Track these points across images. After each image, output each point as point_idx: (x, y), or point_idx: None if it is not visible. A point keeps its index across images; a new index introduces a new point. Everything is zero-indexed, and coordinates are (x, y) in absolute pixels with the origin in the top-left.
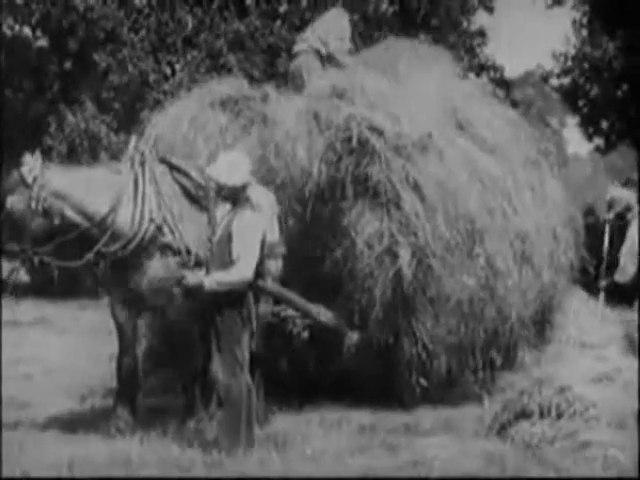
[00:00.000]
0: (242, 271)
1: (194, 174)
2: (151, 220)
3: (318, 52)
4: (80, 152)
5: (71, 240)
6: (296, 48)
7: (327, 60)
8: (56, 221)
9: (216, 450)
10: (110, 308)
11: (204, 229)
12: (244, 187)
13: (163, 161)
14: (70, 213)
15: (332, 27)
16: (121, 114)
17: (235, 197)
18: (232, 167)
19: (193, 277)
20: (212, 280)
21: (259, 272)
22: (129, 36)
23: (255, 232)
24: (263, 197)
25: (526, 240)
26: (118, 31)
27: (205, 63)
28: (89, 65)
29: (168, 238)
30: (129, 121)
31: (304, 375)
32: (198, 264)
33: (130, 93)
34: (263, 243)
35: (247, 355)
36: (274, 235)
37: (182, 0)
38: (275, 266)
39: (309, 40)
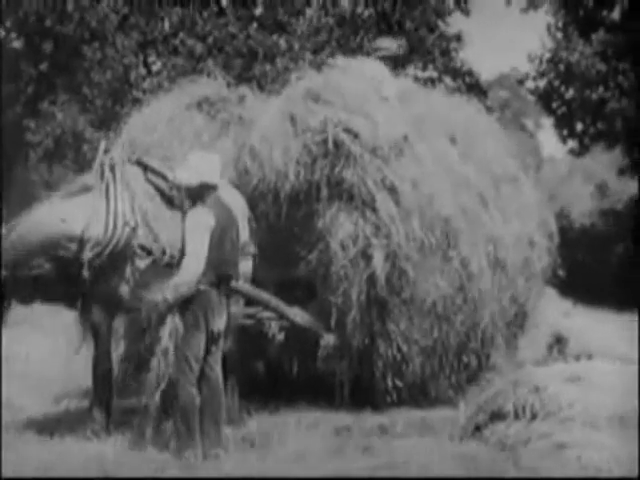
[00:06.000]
0: (187, 269)
1: (169, 175)
2: (125, 224)
3: None
4: (65, 147)
5: None
6: None
7: None
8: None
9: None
10: (81, 311)
11: (180, 229)
12: (211, 188)
13: (139, 163)
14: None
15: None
16: (102, 110)
17: (202, 198)
18: (198, 167)
19: (153, 310)
20: (170, 291)
21: (230, 271)
22: (115, 35)
23: (196, 228)
24: (233, 199)
25: (500, 245)
26: (107, 29)
27: (184, 67)
28: (71, 63)
29: (143, 239)
30: (110, 117)
31: (280, 377)
32: (170, 265)
33: (112, 90)
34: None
35: (200, 356)
36: (244, 235)
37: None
38: (246, 266)
39: None
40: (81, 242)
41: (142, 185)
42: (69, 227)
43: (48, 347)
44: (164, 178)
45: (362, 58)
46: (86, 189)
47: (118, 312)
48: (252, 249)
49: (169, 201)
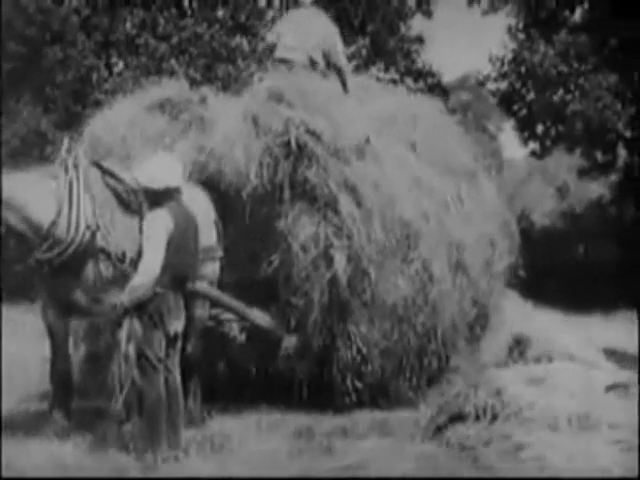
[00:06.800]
0: (144, 271)
1: (127, 178)
2: (87, 227)
3: (313, 62)
4: (31, 147)
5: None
6: (282, 54)
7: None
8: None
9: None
10: (41, 311)
11: (137, 234)
12: (173, 191)
13: (96, 165)
14: (14, 221)
15: (326, 37)
16: (65, 111)
17: (163, 202)
18: (160, 170)
19: (110, 313)
20: (126, 294)
21: (186, 275)
22: (76, 36)
23: (154, 230)
24: (200, 200)
25: (461, 246)
26: (68, 29)
27: (148, 68)
28: (34, 63)
29: (103, 243)
30: (73, 118)
31: (241, 378)
32: (127, 269)
33: (74, 91)
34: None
35: (162, 356)
36: (211, 239)
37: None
38: (212, 269)
39: (300, 48)
40: (47, 234)
41: (101, 188)
42: (30, 209)
43: (4, 349)
44: (121, 182)
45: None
46: (53, 176)
47: (73, 315)
48: (219, 252)
49: (125, 205)
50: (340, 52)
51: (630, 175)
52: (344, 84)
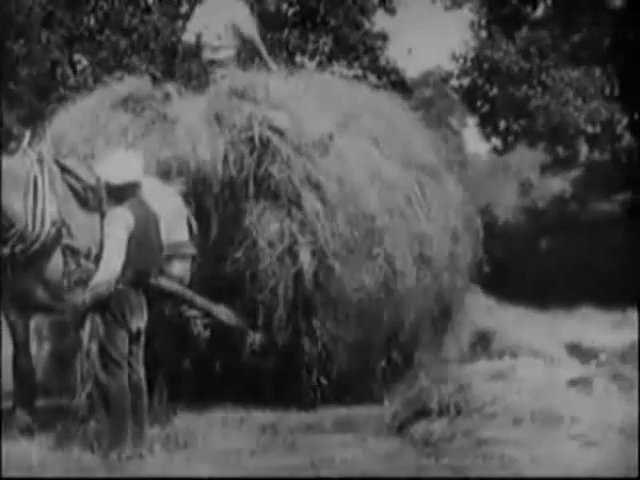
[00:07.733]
0: (105, 270)
1: (84, 176)
2: (53, 223)
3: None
4: None
5: None
6: (210, 56)
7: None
8: None
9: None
10: (2, 307)
11: (96, 231)
12: (133, 187)
13: (55, 162)
14: None
15: (240, 22)
16: (29, 107)
17: (125, 197)
18: (121, 166)
19: (72, 311)
20: (88, 293)
21: (148, 271)
22: (40, 30)
23: (114, 228)
24: (165, 196)
25: (425, 241)
26: (32, 23)
27: (109, 63)
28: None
29: (67, 240)
30: (37, 114)
31: (206, 375)
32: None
33: (38, 86)
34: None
35: (125, 353)
36: (181, 235)
37: None
38: (182, 268)
39: (223, 44)
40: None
41: (61, 185)
42: (9, 201)
43: None
44: (78, 179)
45: None
46: (20, 168)
47: (34, 313)
48: (191, 249)
49: (83, 202)
50: (255, 33)
51: (592, 170)
52: (266, 63)
